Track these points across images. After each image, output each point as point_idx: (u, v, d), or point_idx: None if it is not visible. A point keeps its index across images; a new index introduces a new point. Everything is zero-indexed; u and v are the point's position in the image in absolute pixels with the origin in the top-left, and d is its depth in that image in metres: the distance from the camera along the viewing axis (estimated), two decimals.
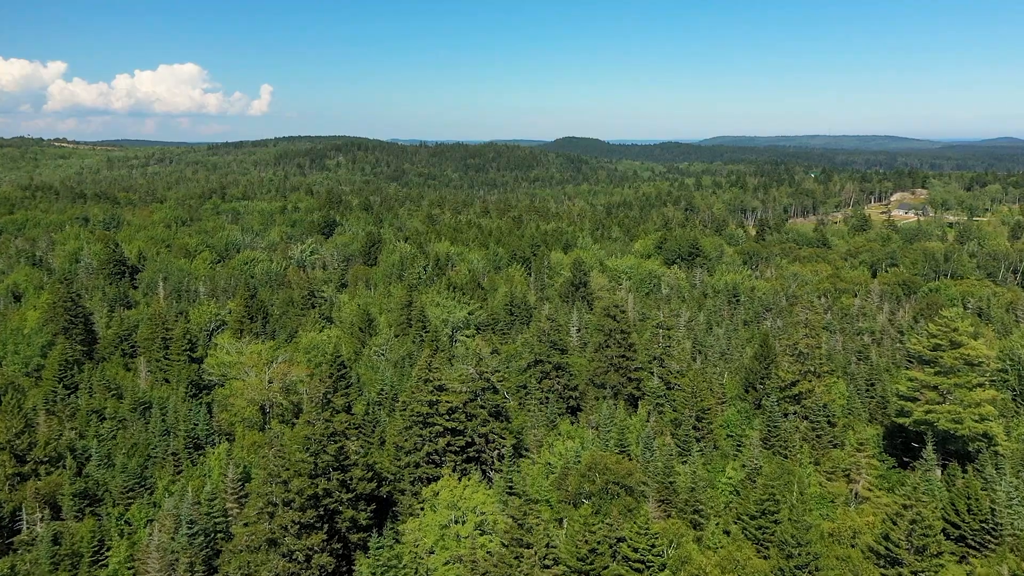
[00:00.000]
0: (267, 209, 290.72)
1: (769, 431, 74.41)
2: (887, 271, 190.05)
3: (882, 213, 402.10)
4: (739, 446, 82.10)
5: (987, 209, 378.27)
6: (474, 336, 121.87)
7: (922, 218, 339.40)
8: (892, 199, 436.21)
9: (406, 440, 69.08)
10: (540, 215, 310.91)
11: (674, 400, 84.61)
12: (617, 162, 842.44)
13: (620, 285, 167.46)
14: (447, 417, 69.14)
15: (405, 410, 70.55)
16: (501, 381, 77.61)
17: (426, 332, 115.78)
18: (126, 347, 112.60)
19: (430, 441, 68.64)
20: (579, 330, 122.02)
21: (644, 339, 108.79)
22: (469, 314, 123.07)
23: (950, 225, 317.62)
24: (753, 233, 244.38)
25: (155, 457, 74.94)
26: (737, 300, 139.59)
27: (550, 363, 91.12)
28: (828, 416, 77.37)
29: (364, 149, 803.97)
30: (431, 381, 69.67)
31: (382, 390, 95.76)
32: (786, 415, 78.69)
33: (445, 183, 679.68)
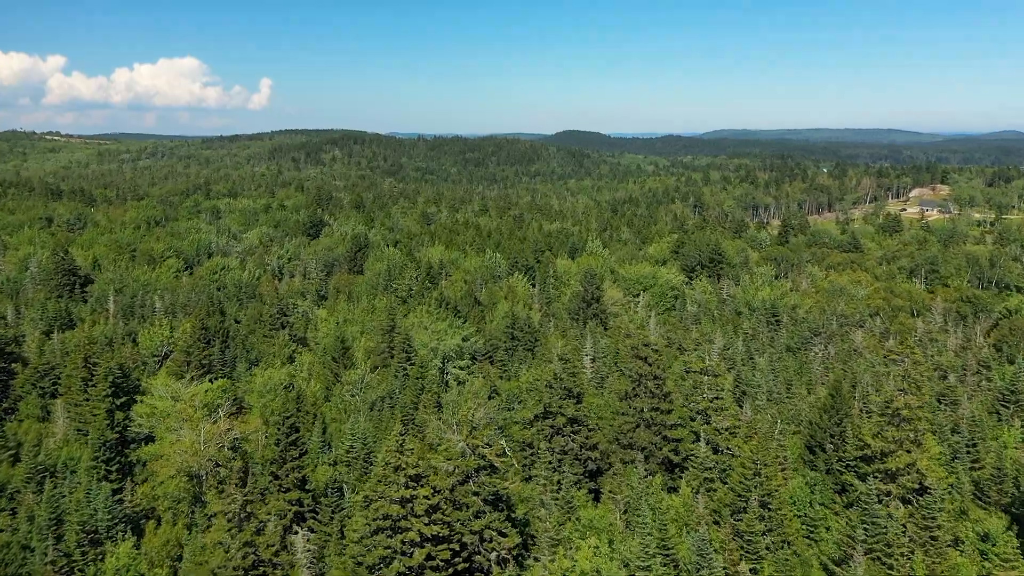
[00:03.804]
0: (250, 207, 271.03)
1: (865, 529, 54.89)
2: (928, 279, 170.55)
3: (902, 210, 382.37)
4: (812, 531, 62.90)
5: (1013, 206, 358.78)
6: (469, 367, 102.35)
7: (949, 216, 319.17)
8: (911, 195, 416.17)
9: (368, 551, 49.63)
10: (543, 213, 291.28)
11: (726, 471, 65.10)
12: (619, 156, 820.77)
13: (637, 299, 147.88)
14: (427, 519, 49.71)
15: (368, 507, 51.03)
16: (502, 456, 58.06)
17: (411, 364, 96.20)
18: (47, 384, 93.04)
19: (402, 555, 49.23)
20: (593, 360, 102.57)
21: (674, 374, 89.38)
22: (463, 340, 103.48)
23: (978, 223, 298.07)
24: (775, 234, 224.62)
25: (30, 564, 55.44)
26: (777, 321, 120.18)
27: (563, 415, 71.66)
28: (938, 502, 57.88)
29: (360, 143, 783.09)
30: (404, 469, 50.12)
31: (351, 447, 76.33)
32: (879, 498, 59.22)
33: (443, 178, 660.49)
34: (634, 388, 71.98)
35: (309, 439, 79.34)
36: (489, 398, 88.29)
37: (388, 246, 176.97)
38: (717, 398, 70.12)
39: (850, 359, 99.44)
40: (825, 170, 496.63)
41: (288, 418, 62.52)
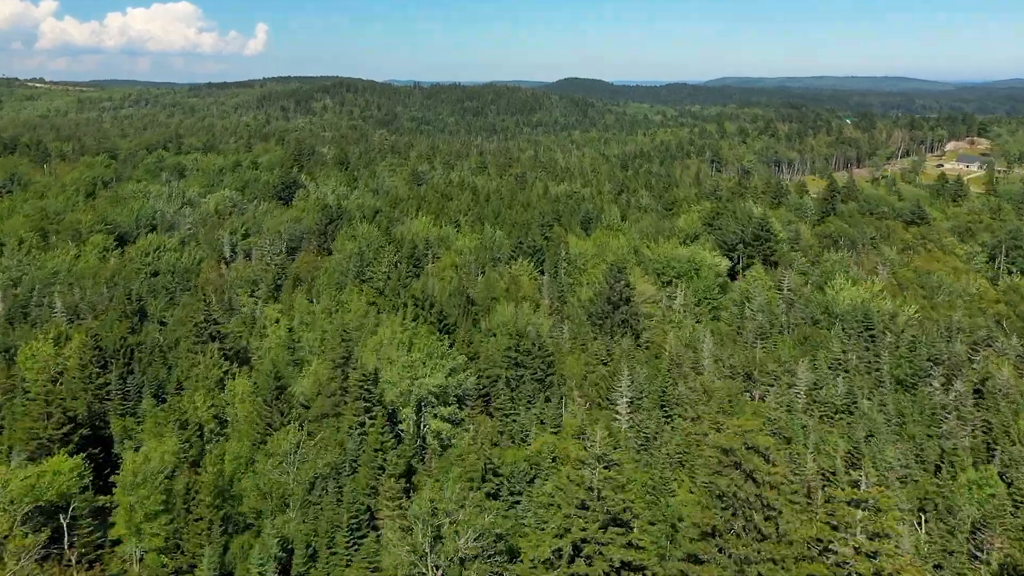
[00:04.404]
0: (218, 165, 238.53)
1: None
2: (1010, 258, 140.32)
3: (938, 165, 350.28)
4: None
5: None
6: (455, 416, 72.79)
7: (1002, 174, 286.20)
8: (946, 148, 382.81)
9: None
10: (547, 171, 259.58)
11: None
12: (624, 105, 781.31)
13: (668, 289, 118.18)
14: None
15: None
16: None
17: (372, 418, 66.70)
18: None
19: None
20: (631, 403, 73.24)
21: (742, 412, 60.10)
22: (448, 374, 73.65)
23: None
24: (818, 199, 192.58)
25: None
26: (872, 337, 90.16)
27: (605, 559, 42.64)
28: None
29: (353, 91, 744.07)
30: None
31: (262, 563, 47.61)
32: None
33: (440, 128, 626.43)
34: (727, 520, 42.53)
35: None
36: (483, 479, 59.36)
37: (362, 221, 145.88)
38: (878, 534, 40.64)
39: (997, 404, 69.91)
40: (848, 121, 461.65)
41: None
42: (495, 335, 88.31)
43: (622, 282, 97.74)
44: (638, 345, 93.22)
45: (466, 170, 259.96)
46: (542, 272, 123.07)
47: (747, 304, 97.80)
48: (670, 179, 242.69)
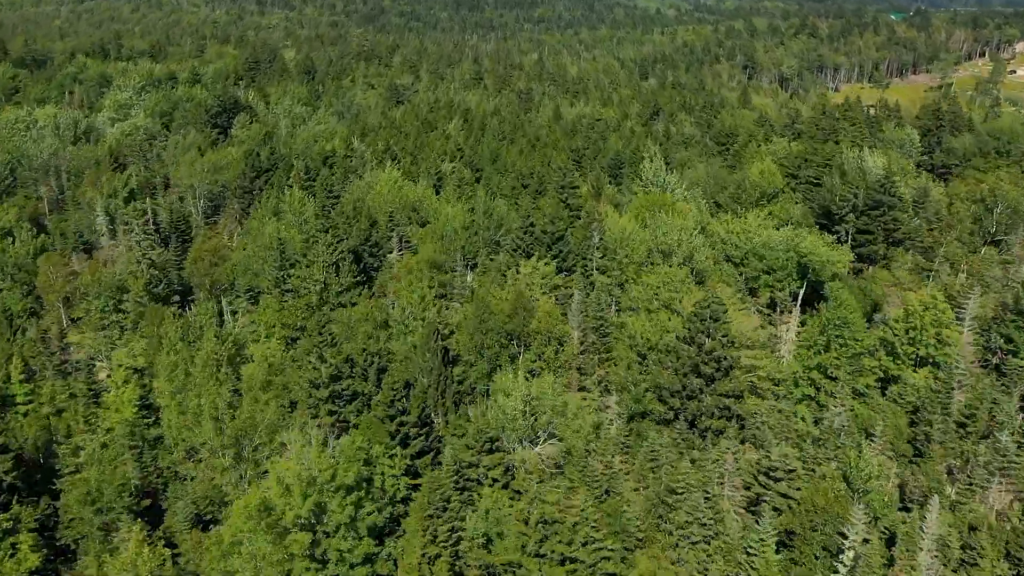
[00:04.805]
0: (145, 76, 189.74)
1: None
2: None
3: (1011, 71, 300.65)
4: None
5: None
6: None
7: None
8: (1016, 49, 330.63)
9: None
10: (557, 85, 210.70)
11: None
12: None
13: (781, 330, 75.10)
14: None
15: None
16: None
17: None
18: None
19: None
20: None
21: None
22: None
23: None
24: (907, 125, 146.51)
25: None
26: None
27: None
28: None
29: None
30: None
31: None
32: None
33: (432, 25, 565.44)
34: None
35: None
36: None
37: (303, 176, 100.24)
38: None
39: None
40: (895, 18, 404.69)
41: None
42: (494, 485, 45.54)
43: (720, 335, 54.42)
44: (739, 444, 51.22)
45: (457, 82, 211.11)
46: (567, 272, 79.45)
47: (925, 365, 53.91)
48: (711, 96, 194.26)
